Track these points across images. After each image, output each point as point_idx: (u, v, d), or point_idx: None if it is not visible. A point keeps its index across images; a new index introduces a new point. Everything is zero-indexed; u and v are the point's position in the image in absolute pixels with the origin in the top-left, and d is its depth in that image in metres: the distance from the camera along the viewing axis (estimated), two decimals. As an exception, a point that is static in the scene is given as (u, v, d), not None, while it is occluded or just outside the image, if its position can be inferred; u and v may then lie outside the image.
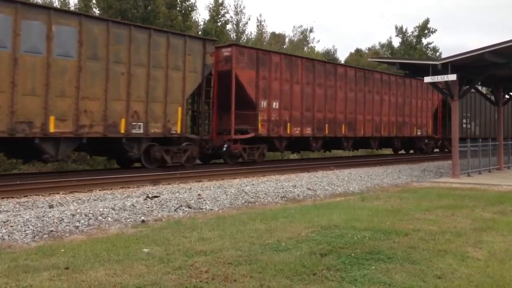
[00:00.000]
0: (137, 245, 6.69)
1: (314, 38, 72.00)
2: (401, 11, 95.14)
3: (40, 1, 27.27)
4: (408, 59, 27.06)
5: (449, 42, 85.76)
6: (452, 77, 16.55)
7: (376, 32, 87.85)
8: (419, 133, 28.23)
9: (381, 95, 25.19)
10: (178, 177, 14.85)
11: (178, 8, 27.41)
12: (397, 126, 26.41)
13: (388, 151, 30.79)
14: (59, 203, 10.31)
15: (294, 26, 70.71)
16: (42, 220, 8.20)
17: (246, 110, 18.48)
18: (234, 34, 36.10)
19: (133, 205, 9.77)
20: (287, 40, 46.62)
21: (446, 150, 31.14)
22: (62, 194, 11.60)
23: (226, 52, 18.20)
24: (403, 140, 27.71)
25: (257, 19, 44.07)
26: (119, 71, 14.31)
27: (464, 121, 31.19)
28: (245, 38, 37.31)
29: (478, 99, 31.34)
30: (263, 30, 42.80)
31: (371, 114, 24.49)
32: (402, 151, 30.40)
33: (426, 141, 29.46)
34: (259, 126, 18.69)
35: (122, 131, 14.38)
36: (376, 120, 24.90)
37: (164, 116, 15.48)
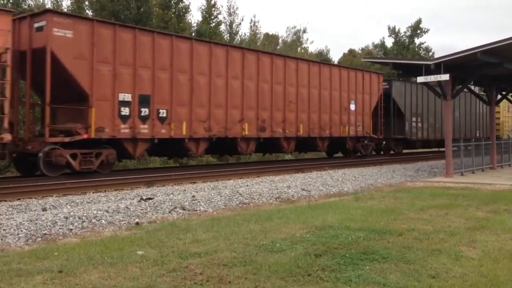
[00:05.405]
0: (131, 247, 6.66)
1: (307, 39, 72.26)
2: (392, 12, 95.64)
3: (32, 4, 27.18)
4: (401, 59, 27.13)
5: (442, 42, 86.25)
6: (445, 77, 16.63)
7: (368, 33, 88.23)
8: (352, 132, 23.63)
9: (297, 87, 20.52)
10: (173, 178, 14.84)
11: (173, 10, 27.41)
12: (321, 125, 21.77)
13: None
14: (52, 206, 10.26)
15: (287, 27, 70.87)
16: (36, 223, 8.15)
17: (75, 103, 13.85)
18: (228, 35, 36.14)
19: (127, 207, 9.73)
20: (280, 40, 46.73)
21: (392, 152, 28.05)
22: (56, 196, 11.54)
23: (39, 22, 13.20)
24: (331, 141, 22.81)
25: (251, 20, 43.95)
26: None
27: (414, 119, 27.79)
28: (239, 39, 37.34)
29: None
30: (257, 31, 42.89)
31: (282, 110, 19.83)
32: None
33: (366, 142, 24.88)
34: (92, 124, 13.76)
35: None
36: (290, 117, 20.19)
37: None
